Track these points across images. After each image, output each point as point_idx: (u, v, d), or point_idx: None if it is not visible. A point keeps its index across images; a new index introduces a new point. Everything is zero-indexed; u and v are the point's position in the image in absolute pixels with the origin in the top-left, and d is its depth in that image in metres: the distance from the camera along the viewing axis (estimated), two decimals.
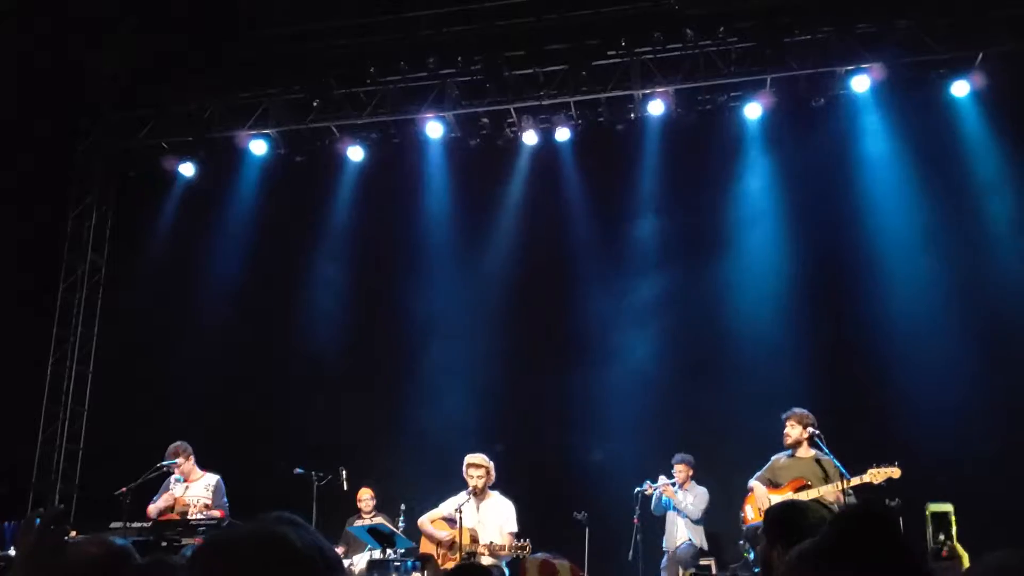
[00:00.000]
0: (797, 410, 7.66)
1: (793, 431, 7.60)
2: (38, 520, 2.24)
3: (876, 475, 7.25)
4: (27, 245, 11.07)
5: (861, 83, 9.91)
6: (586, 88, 10.45)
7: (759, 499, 7.68)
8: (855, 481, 7.24)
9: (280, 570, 1.37)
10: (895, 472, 7.24)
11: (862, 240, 9.92)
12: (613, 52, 10.43)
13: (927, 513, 7.48)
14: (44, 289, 11.63)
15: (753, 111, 10.29)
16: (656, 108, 10.38)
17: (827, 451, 7.40)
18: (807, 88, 10.12)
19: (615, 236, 10.64)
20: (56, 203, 11.80)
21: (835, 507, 7.23)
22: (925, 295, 9.47)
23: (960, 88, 9.84)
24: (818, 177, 10.15)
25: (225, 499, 8.09)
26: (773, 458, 7.82)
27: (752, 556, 7.61)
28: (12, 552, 6.91)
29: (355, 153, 11.32)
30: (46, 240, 11.68)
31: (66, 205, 11.89)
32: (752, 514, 7.77)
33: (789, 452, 7.74)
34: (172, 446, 8.13)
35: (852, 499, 7.25)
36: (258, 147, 11.37)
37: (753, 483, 7.82)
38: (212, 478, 8.18)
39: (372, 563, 7.02)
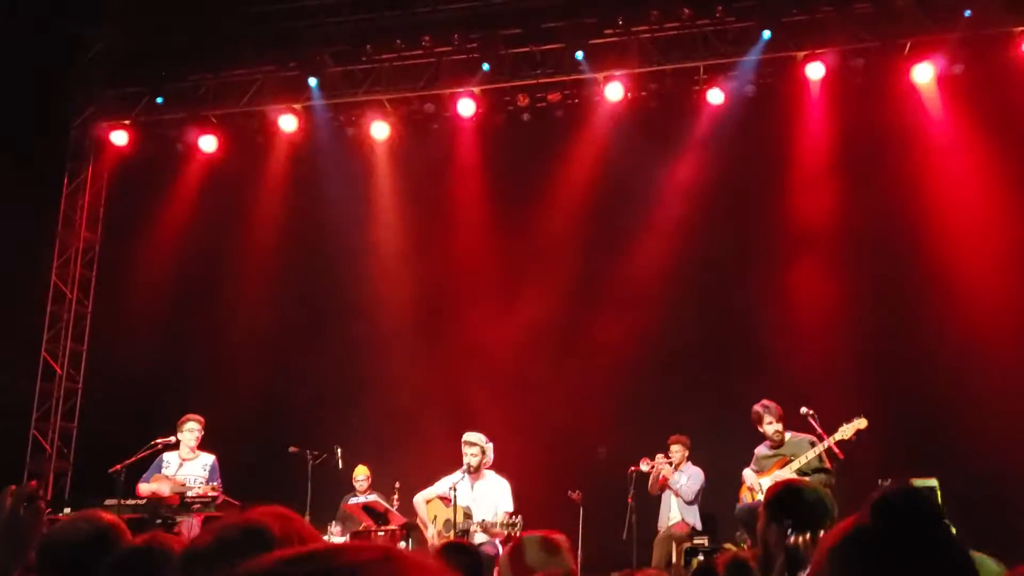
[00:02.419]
0: (770, 410, 7.68)
1: (777, 427, 7.65)
2: (10, 498, 2.23)
3: (846, 431, 7.39)
4: (21, 223, 11.01)
5: (858, 63, 9.87)
6: (581, 67, 10.41)
7: (749, 482, 7.73)
8: (829, 441, 7.35)
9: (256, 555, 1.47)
10: (862, 423, 7.38)
11: (855, 220, 9.91)
12: (610, 31, 10.38)
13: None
14: (38, 267, 11.58)
15: (750, 91, 10.25)
16: (652, 86, 10.34)
17: (817, 429, 7.45)
18: (805, 68, 10.06)
19: (613, 217, 10.60)
20: (50, 180, 11.74)
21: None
22: (923, 271, 9.53)
23: (952, 70, 9.81)
24: (814, 158, 10.12)
25: (219, 479, 8.08)
26: (756, 451, 7.88)
27: (748, 543, 7.64)
28: None
29: (349, 131, 11.27)
30: (40, 218, 11.63)
31: (60, 182, 11.82)
32: (746, 499, 7.81)
33: (767, 443, 7.81)
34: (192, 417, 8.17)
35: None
36: (253, 124, 11.30)
37: (744, 473, 7.90)
38: (208, 458, 8.17)
39: (356, 536, 7.02)
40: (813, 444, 7.54)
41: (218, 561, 1.49)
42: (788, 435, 7.70)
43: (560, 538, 3.13)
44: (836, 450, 7.35)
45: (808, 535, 1.80)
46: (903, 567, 1.43)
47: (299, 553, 0.90)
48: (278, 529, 1.52)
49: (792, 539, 1.85)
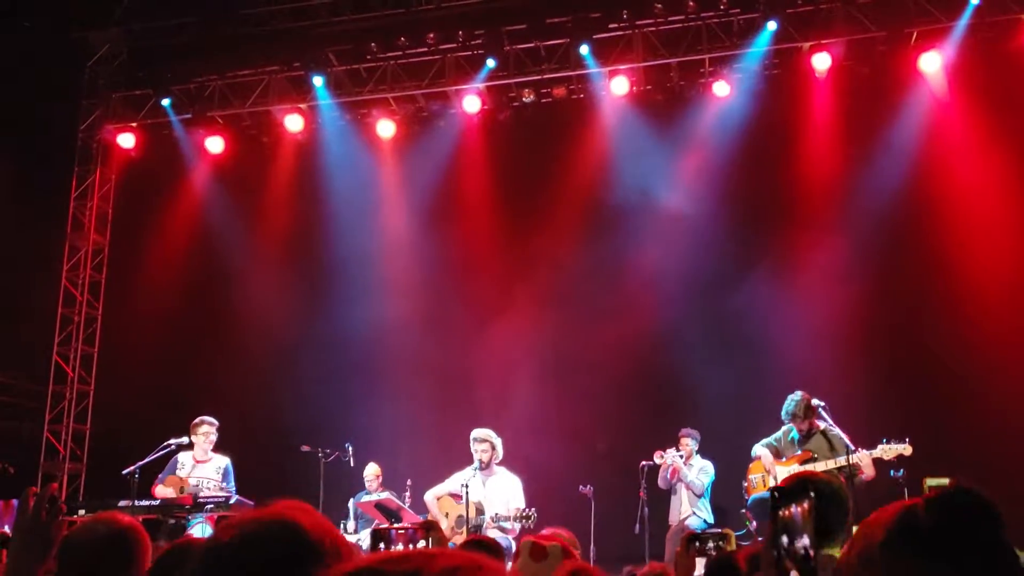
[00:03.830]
0: (796, 400, 7.63)
1: (803, 426, 7.59)
2: (32, 500, 2.24)
3: (887, 451, 7.21)
4: (30, 226, 11.07)
5: (864, 53, 9.85)
6: (585, 62, 10.39)
7: (767, 466, 7.66)
8: (864, 456, 7.23)
9: (289, 554, 1.40)
10: (907, 450, 7.18)
11: (863, 211, 9.87)
12: (615, 25, 10.36)
13: (925, 487, 7.47)
14: (48, 270, 11.64)
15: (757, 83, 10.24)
16: (659, 80, 10.34)
17: (831, 423, 7.40)
18: (811, 58, 10.02)
19: (620, 211, 10.56)
20: (59, 184, 11.79)
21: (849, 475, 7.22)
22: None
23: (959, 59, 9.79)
24: (821, 149, 10.09)
25: (233, 483, 8.08)
26: (784, 428, 7.80)
27: (754, 525, 7.62)
28: (7, 530, 6.95)
29: (355, 129, 11.30)
30: (49, 221, 11.68)
31: (68, 185, 11.86)
32: (757, 484, 7.75)
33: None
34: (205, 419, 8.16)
35: (868, 462, 7.24)
36: (259, 125, 11.34)
37: (760, 451, 7.78)
38: (222, 460, 8.17)
39: (375, 534, 7.04)
40: (830, 441, 7.45)
41: (247, 557, 1.41)
42: (820, 425, 7.58)
43: (552, 547, 3.01)
44: (870, 469, 7.25)
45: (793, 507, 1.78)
46: (959, 564, 1.43)
47: (395, 556, 0.91)
48: (308, 523, 1.45)
49: (785, 512, 1.82)
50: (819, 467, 7.23)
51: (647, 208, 10.38)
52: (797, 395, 7.63)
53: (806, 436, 7.64)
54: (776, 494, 1.84)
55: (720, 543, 3.31)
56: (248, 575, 1.39)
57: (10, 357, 10.85)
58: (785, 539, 1.78)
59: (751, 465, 7.86)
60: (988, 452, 8.46)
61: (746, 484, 7.86)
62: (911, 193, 9.74)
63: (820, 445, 7.50)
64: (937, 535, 1.44)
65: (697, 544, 3.33)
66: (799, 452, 7.57)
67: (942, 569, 1.42)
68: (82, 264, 11.82)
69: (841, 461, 7.26)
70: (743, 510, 7.90)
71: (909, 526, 1.47)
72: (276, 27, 11.02)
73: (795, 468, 7.32)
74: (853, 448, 7.18)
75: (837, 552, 2.47)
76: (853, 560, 1.55)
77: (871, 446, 7.27)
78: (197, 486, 7.86)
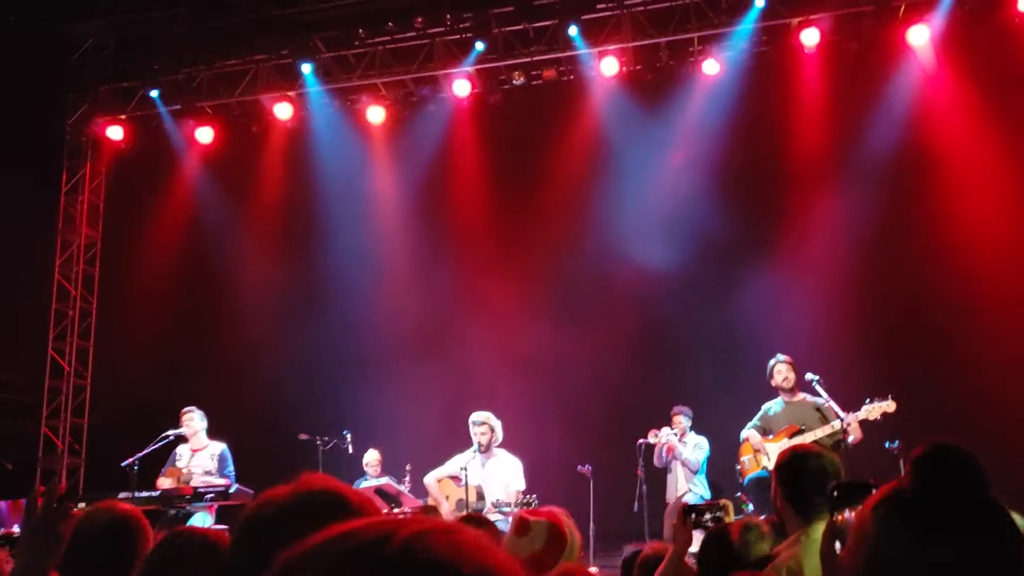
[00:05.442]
0: (784, 356, 7.71)
1: (791, 374, 7.64)
2: (41, 499, 2.26)
3: (871, 411, 7.20)
4: (21, 222, 11.02)
5: (853, 28, 9.83)
6: (575, 43, 10.36)
7: (756, 446, 7.70)
8: (851, 419, 7.25)
9: (337, 519, 1.39)
10: (890, 406, 7.18)
11: (852, 187, 9.89)
12: (603, 5, 10.33)
13: None
14: (41, 265, 11.61)
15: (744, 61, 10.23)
16: (648, 60, 10.31)
17: (824, 395, 7.43)
18: (800, 34, 10.01)
19: (612, 191, 10.57)
20: (48, 178, 11.75)
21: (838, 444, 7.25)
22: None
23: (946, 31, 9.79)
24: (811, 124, 10.10)
25: (231, 468, 8.10)
26: (764, 407, 7.85)
27: (751, 508, 7.65)
28: (16, 530, 6.97)
29: (345, 116, 11.27)
30: (40, 217, 11.64)
31: (58, 180, 11.82)
32: (749, 464, 7.79)
33: (780, 400, 7.77)
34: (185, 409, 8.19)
35: (855, 425, 7.25)
36: (249, 114, 11.30)
37: (747, 433, 7.82)
38: (218, 447, 8.18)
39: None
40: (821, 412, 7.49)
41: (297, 525, 1.29)
42: (802, 396, 7.64)
43: (536, 523, 2.97)
44: (856, 431, 7.25)
45: (847, 511, 1.80)
46: (941, 527, 1.42)
47: (375, 519, 0.90)
48: (348, 491, 1.46)
49: (839, 517, 1.85)
50: (808, 438, 7.26)
51: (639, 187, 10.39)
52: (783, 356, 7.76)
53: (787, 403, 7.67)
54: (835, 492, 1.86)
55: (718, 515, 3.30)
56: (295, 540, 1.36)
57: (5, 354, 10.81)
58: (837, 545, 1.81)
59: (740, 448, 7.90)
60: (984, 416, 8.51)
61: (739, 467, 7.90)
62: (901, 165, 9.79)
63: (808, 416, 7.52)
64: (919, 498, 1.43)
65: (694, 516, 3.32)
66: (787, 425, 7.61)
67: (925, 531, 1.41)
68: (75, 258, 11.80)
69: (828, 429, 7.28)
70: (739, 493, 7.93)
71: (896, 491, 1.46)
72: (263, 15, 10.95)
73: (785, 443, 7.33)
74: (844, 416, 7.21)
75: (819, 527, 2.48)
76: (853, 531, 1.54)
77: (859, 409, 7.32)
78: (190, 474, 7.89)
